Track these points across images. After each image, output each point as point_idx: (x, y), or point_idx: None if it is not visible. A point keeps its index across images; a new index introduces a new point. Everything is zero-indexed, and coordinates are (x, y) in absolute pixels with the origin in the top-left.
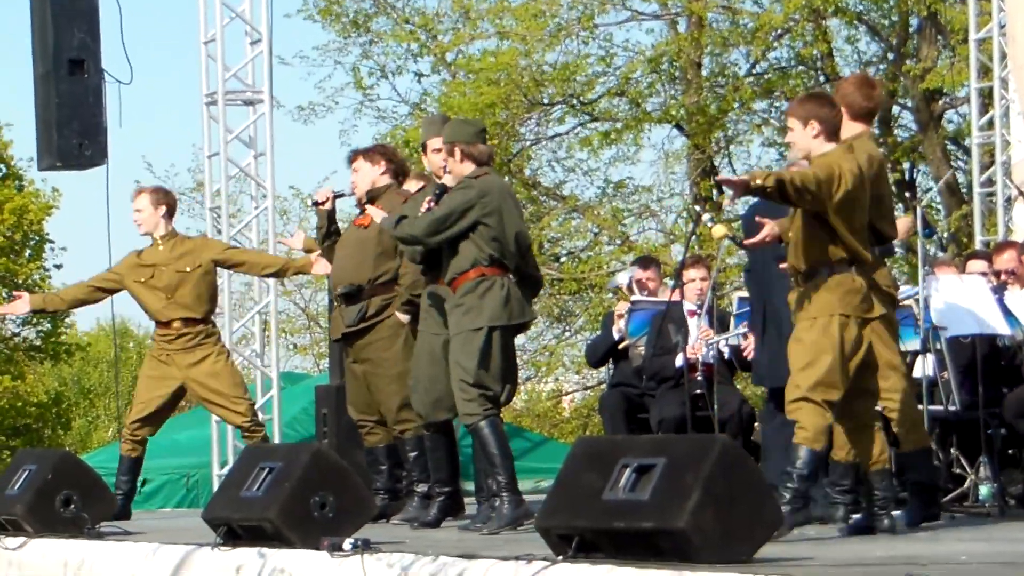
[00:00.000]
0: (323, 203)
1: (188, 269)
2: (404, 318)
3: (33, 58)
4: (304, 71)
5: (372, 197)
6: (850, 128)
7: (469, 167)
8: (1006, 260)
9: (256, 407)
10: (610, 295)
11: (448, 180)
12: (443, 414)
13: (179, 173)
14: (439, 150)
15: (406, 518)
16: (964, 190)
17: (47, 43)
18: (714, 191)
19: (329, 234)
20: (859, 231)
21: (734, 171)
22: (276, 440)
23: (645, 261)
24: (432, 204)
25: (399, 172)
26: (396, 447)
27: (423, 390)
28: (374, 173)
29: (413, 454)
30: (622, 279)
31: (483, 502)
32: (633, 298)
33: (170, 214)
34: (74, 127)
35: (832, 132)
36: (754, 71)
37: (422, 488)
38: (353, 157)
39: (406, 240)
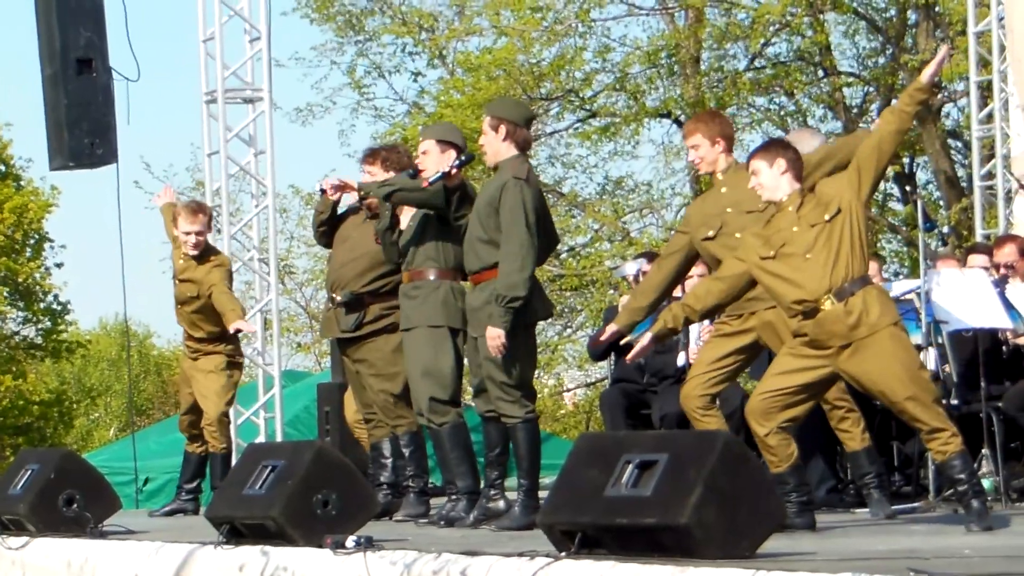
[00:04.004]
0: (332, 194)
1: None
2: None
3: (40, 59)
4: (300, 72)
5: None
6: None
7: (510, 150)
8: (1006, 254)
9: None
10: (612, 291)
11: (488, 158)
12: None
13: (178, 173)
14: (426, 152)
15: (405, 515)
16: (964, 183)
17: (54, 43)
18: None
19: (326, 222)
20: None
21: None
22: (279, 438)
23: (651, 255)
24: (455, 170)
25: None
26: (398, 440)
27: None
28: None
29: (408, 449)
30: (629, 269)
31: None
32: None
33: None
34: (84, 126)
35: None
36: (753, 65)
37: (418, 484)
38: (371, 159)
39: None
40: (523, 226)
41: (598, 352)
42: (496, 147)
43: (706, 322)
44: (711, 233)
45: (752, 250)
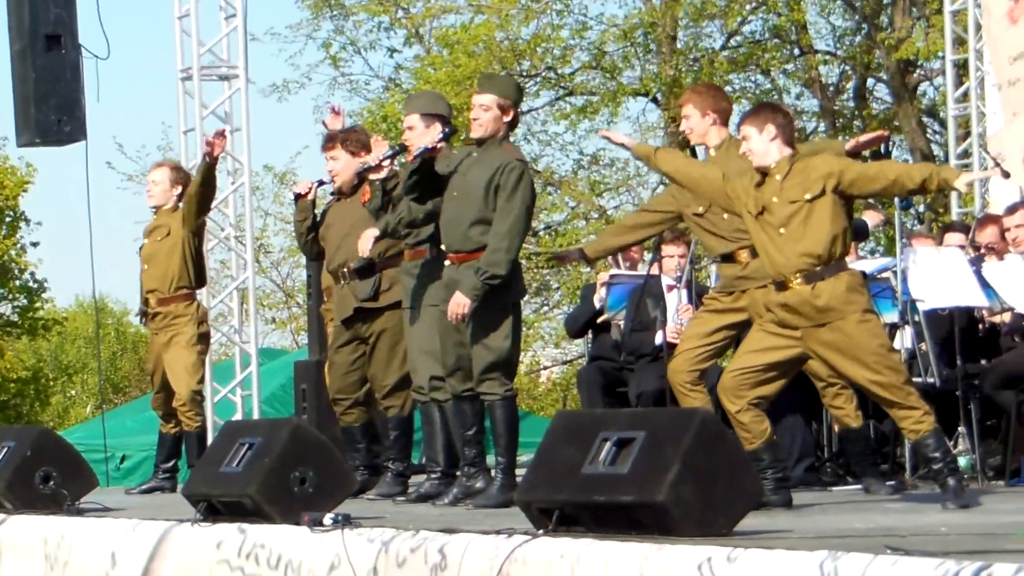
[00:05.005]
0: (305, 195)
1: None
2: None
3: (9, 34)
4: (275, 47)
5: (360, 182)
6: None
7: (504, 129)
8: (988, 235)
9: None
10: (587, 269)
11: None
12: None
13: (150, 153)
14: (411, 127)
15: (380, 493)
16: (940, 162)
17: (23, 19)
18: None
19: (312, 227)
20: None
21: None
22: (255, 416)
23: None
24: (440, 144)
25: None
26: (371, 425)
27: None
28: (356, 163)
29: (395, 433)
30: None
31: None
32: (612, 271)
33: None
34: (52, 103)
35: (790, 139)
36: (729, 44)
37: (397, 467)
38: (330, 144)
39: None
40: (521, 210)
41: (576, 329)
42: (496, 127)
43: (684, 300)
44: (700, 209)
45: (743, 201)
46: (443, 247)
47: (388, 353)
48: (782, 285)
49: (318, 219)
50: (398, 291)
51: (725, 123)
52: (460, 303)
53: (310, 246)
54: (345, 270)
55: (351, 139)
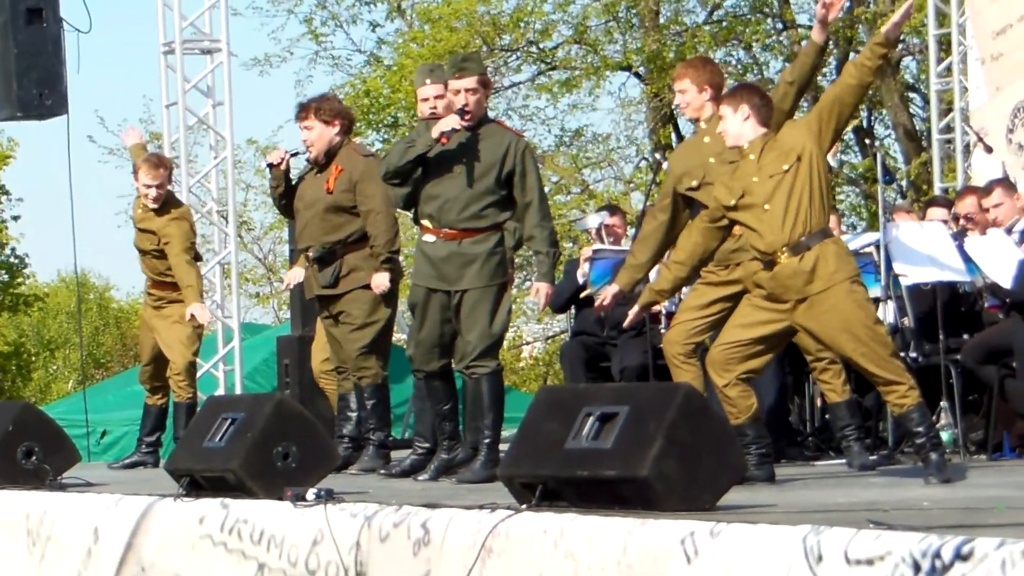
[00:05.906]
0: (278, 164)
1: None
2: (384, 286)
3: None
4: (257, 21)
5: (331, 155)
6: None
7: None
8: (967, 205)
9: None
10: (570, 244)
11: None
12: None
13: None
14: (442, 96)
15: (363, 468)
16: (923, 137)
17: None
18: (673, 138)
19: (284, 194)
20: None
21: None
22: (238, 391)
23: (613, 208)
24: (445, 140)
25: (351, 126)
26: None
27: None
28: (330, 133)
29: (371, 402)
30: (592, 223)
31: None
32: (595, 247)
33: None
34: (33, 77)
35: (765, 120)
36: (712, 18)
37: (378, 437)
38: (304, 114)
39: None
40: (541, 185)
41: (559, 304)
42: (483, 107)
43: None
44: (695, 183)
45: (719, 199)
46: (424, 222)
47: (353, 328)
48: (770, 264)
49: (293, 183)
50: (357, 277)
51: (718, 98)
52: (549, 292)
53: (284, 210)
54: (309, 254)
55: (325, 108)
